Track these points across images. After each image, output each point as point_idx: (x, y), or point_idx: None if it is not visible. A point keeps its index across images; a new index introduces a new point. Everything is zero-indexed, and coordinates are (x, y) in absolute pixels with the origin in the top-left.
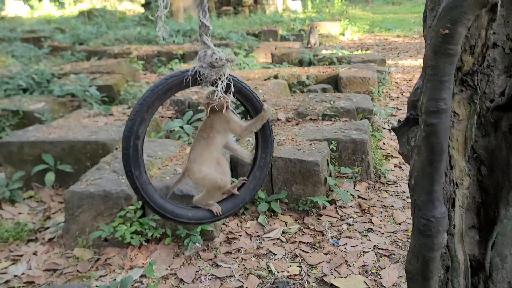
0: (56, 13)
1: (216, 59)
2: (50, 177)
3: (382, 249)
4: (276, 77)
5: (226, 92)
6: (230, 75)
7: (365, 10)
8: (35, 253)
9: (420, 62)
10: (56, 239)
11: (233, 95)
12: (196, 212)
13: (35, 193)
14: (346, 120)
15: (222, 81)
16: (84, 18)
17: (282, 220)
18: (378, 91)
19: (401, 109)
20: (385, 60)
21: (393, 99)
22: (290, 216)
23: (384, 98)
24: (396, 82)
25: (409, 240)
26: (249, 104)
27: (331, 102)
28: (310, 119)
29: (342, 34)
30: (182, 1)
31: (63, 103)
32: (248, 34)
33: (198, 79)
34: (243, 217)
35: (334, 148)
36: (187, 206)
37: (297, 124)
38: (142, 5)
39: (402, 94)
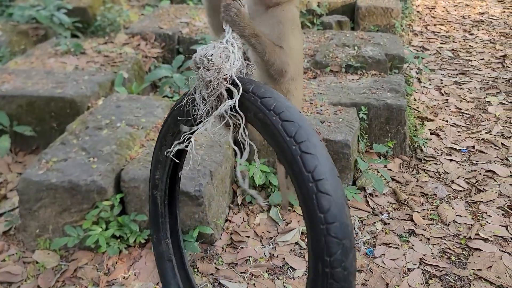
0: None
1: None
2: (4, 142)
3: (430, 265)
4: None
5: None
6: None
7: None
8: None
9: None
10: (12, 232)
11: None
12: None
13: None
14: (375, 74)
15: None
16: None
17: (299, 214)
18: (401, 25)
19: (428, 49)
20: None
21: (416, 35)
22: None
23: (406, 33)
24: (418, 11)
25: (464, 253)
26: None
27: (356, 48)
28: (331, 70)
29: None
30: None
31: (25, 32)
32: None
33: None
34: (250, 208)
35: (364, 117)
36: None
37: (314, 78)
38: None
39: (426, 28)
